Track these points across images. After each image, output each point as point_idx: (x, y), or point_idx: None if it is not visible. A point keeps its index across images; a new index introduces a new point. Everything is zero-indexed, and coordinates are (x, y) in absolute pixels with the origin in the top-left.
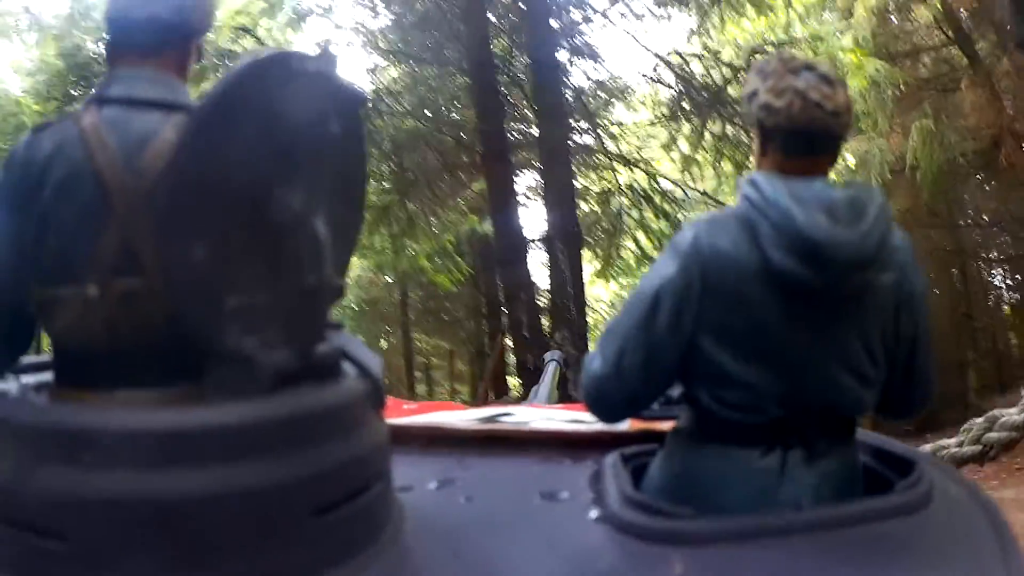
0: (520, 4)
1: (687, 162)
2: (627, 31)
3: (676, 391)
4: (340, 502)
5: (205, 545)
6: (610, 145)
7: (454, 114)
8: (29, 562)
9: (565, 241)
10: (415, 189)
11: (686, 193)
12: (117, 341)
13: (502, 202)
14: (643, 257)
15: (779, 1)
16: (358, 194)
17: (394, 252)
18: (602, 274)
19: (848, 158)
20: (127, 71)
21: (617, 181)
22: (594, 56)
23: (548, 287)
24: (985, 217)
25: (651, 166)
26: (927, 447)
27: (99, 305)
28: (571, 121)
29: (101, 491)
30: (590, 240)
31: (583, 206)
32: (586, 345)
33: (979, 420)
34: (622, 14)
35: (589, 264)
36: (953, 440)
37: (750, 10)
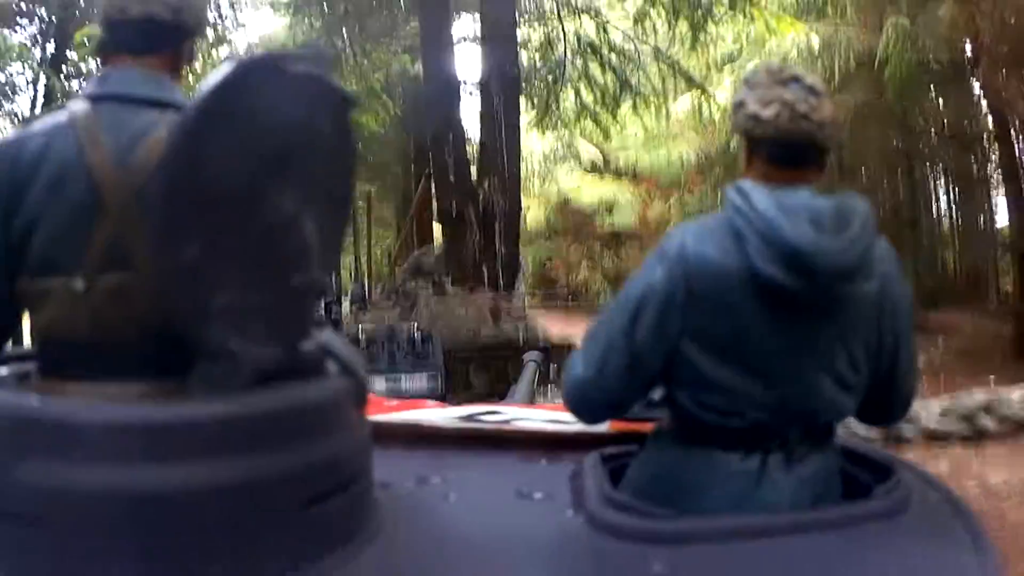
0: None
1: (640, 16)
2: None
3: (658, 394)
4: (321, 499)
5: (186, 539)
6: None
7: None
8: (10, 553)
9: (501, 84)
10: (346, 24)
11: (636, 48)
12: (103, 334)
13: (435, 39)
14: (582, 110)
15: None
16: (346, 193)
17: None
18: (539, 124)
19: (814, 40)
20: (121, 69)
21: (563, 29)
22: None
23: (480, 133)
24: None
25: (600, 16)
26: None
27: (87, 299)
28: None
29: (84, 483)
30: (527, 88)
31: (523, 56)
32: (516, 197)
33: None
34: None
35: (525, 114)
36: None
37: None
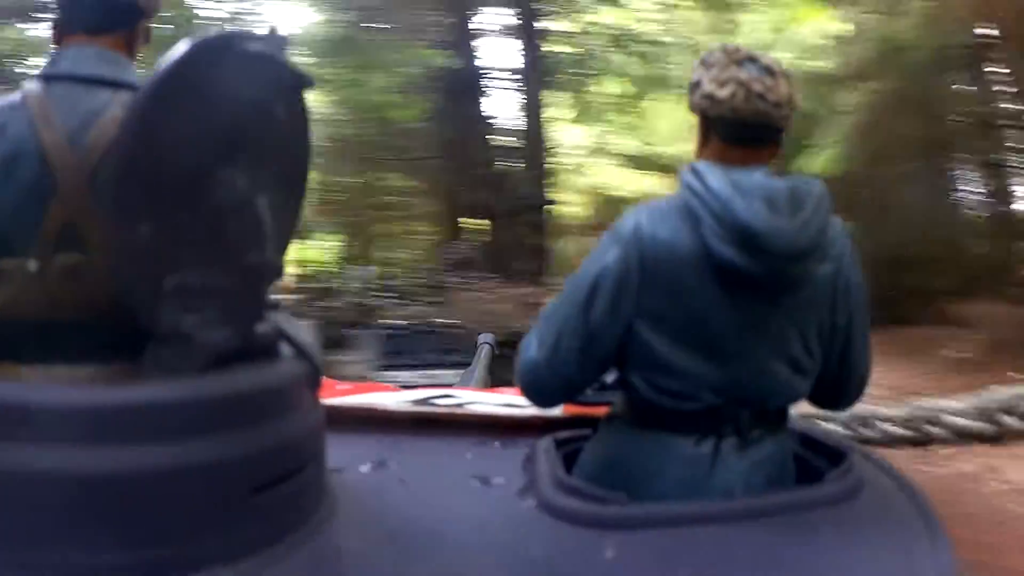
0: None
1: (669, 5)
2: None
3: (611, 377)
4: (274, 483)
5: (136, 523)
6: None
7: None
8: None
9: (530, 76)
10: (375, 18)
11: (665, 38)
12: (56, 316)
13: (459, 33)
14: (620, 100)
15: None
16: (302, 175)
17: (353, 85)
18: (579, 119)
19: (837, 27)
20: (75, 49)
21: (592, 20)
22: None
23: (509, 125)
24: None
25: (629, 6)
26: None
27: (40, 279)
28: None
29: (33, 467)
30: (559, 81)
31: (553, 48)
32: (545, 188)
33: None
34: None
35: (562, 109)
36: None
37: None
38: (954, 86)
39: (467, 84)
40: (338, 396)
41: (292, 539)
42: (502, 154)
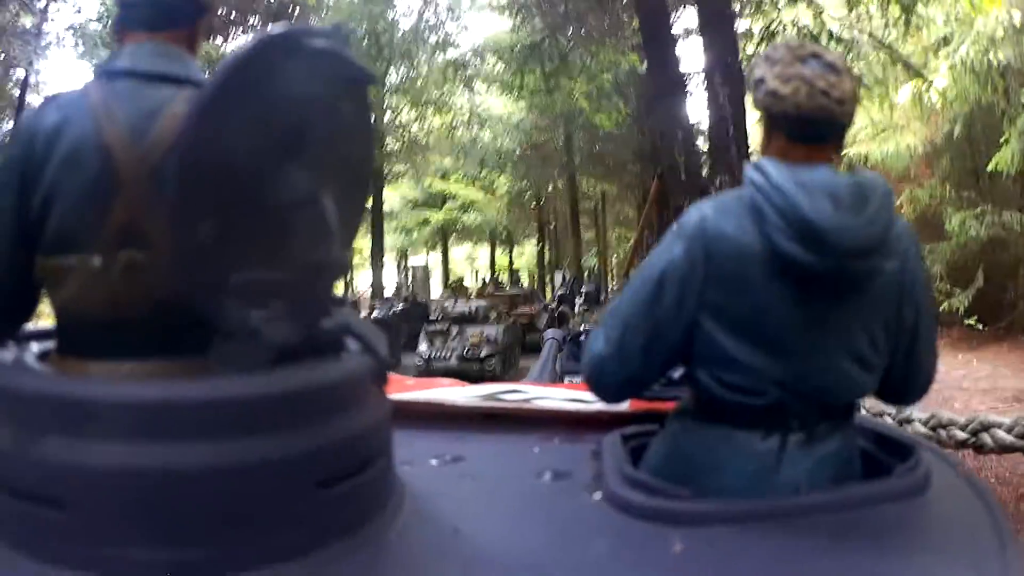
0: None
1: (854, 1)
2: None
3: (677, 372)
4: (342, 477)
5: (204, 518)
6: None
7: None
8: (27, 531)
9: (724, 75)
10: (566, 24)
11: (855, 36)
12: (120, 312)
13: (655, 34)
14: None
15: None
16: (364, 171)
17: (548, 91)
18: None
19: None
20: (136, 46)
21: (781, 19)
22: None
23: (708, 128)
24: None
25: (815, 3)
26: None
27: (104, 276)
28: None
29: (101, 462)
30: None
31: (747, 50)
32: None
33: None
34: None
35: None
36: None
37: None
38: None
39: (662, 87)
40: (407, 391)
41: (360, 533)
42: (703, 157)
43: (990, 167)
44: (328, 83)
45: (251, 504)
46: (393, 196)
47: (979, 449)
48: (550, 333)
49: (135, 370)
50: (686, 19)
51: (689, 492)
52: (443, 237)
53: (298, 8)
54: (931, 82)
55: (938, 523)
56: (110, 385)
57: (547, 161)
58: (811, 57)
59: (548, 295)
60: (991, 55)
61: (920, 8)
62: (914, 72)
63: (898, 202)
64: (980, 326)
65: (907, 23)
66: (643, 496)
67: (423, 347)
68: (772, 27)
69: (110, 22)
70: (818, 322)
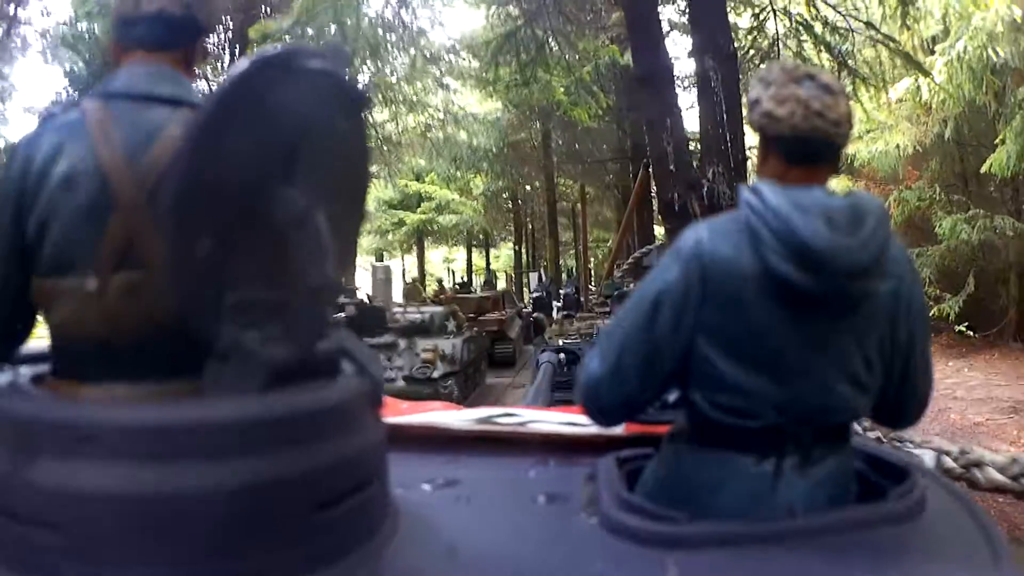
0: None
1: None
2: None
3: (673, 395)
4: (337, 500)
5: (199, 541)
6: None
7: None
8: (22, 554)
9: (718, 62)
10: (543, 12)
11: (849, 24)
12: (116, 334)
13: (641, 13)
14: None
15: None
16: (360, 191)
17: (524, 83)
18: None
19: (1016, 12)
20: (134, 66)
21: (772, 6)
22: None
23: (699, 117)
24: None
25: None
26: None
27: (99, 298)
28: None
29: (96, 485)
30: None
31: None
32: (743, 182)
33: None
34: None
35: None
36: None
37: None
38: None
39: (650, 71)
40: (402, 415)
41: (355, 556)
42: (694, 153)
43: (984, 169)
44: (324, 103)
45: (244, 527)
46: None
47: (973, 486)
48: (544, 356)
49: (130, 393)
50: (667, 13)
51: (685, 516)
52: (419, 239)
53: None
54: (931, 75)
55: (934, 545)
56: (105, 408)
57: (524, 160)
58: (806, 78)
59: (527, 298)
60: (989, 51)
61: (920, 2)
62: (914, 64)
63: (885, 204)
64: (971, 333)
65: (904, 15)
66: (638, 520)
67: None
68: (762, 16)
69: (80, 27)
70: (813, 344)
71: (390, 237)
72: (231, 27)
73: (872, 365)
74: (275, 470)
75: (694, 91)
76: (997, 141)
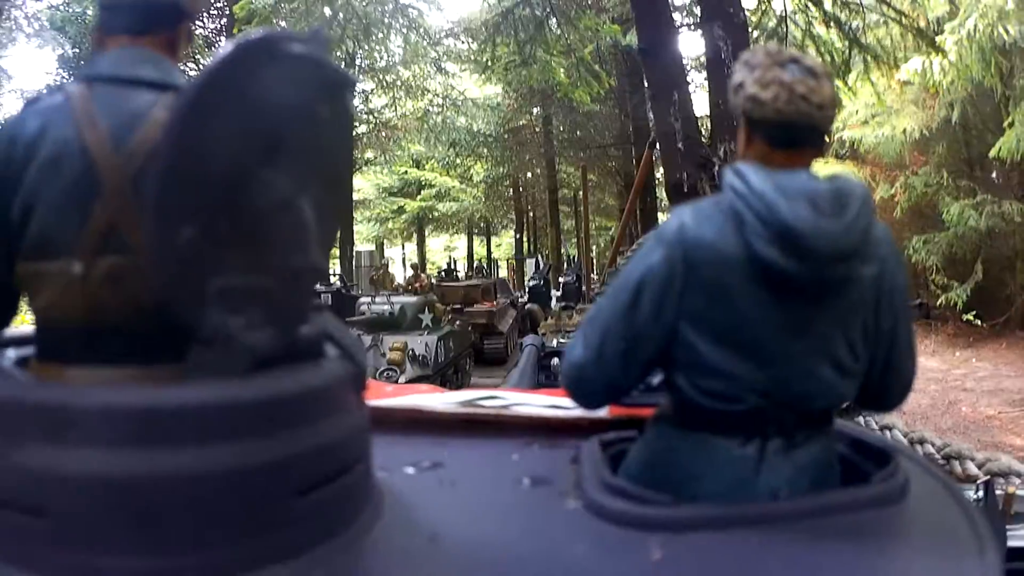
0: None
1: None
2: None
3: (656, 378)
4: (320, 483)
5: (182, 524)
6: None
7: None
8: (6, 538)
9: (726, 28)
10: None
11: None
12: (100, 318)
13: (648, 9)
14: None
15: None
16: (342, 177)
17: (523, 63)
18: None
19: None
20: (117, 50)
21: None
22: None
23: (708, 92)
24: None
25: None
26: None
27: (83, 282)
28: None
29: (80, 468)
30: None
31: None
32: None
33: None
34: None
35: None
36: None
37: None
38: None
39: (651, 33)
40: (386, 398)
41: (339, 540)
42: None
43: (992, 153)
44: (306, 88)
45: (227, 511)
46: (366, 184)
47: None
48: (528, 339)
49: (114, 376)
50: None
51: (668, 498)
52: (419, 227)
53: None
54: (944, 52)
55: (917, 529)
56: (88, 391)
57: (525, 146)
58: (790, 62)
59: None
60: (999, 29)
61: None
62: (927, 40)
63: (892, 191)
64: (978, 322)
65: None
66: (622, 503)
67: None
68: None
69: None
70: (797, 328)
71: (390, 225)
72: (227, 12)
73: (855, 349)
74: (259, 454)
75: (696, 77)
76: (1006, 124)
